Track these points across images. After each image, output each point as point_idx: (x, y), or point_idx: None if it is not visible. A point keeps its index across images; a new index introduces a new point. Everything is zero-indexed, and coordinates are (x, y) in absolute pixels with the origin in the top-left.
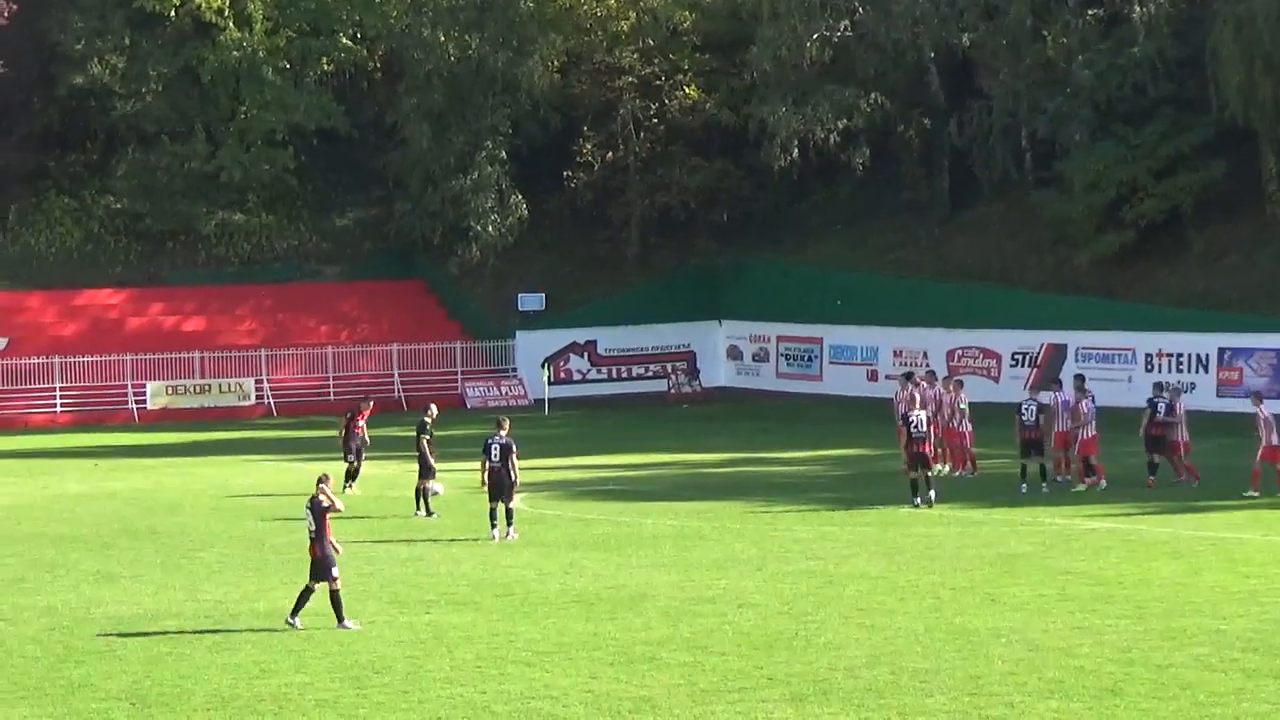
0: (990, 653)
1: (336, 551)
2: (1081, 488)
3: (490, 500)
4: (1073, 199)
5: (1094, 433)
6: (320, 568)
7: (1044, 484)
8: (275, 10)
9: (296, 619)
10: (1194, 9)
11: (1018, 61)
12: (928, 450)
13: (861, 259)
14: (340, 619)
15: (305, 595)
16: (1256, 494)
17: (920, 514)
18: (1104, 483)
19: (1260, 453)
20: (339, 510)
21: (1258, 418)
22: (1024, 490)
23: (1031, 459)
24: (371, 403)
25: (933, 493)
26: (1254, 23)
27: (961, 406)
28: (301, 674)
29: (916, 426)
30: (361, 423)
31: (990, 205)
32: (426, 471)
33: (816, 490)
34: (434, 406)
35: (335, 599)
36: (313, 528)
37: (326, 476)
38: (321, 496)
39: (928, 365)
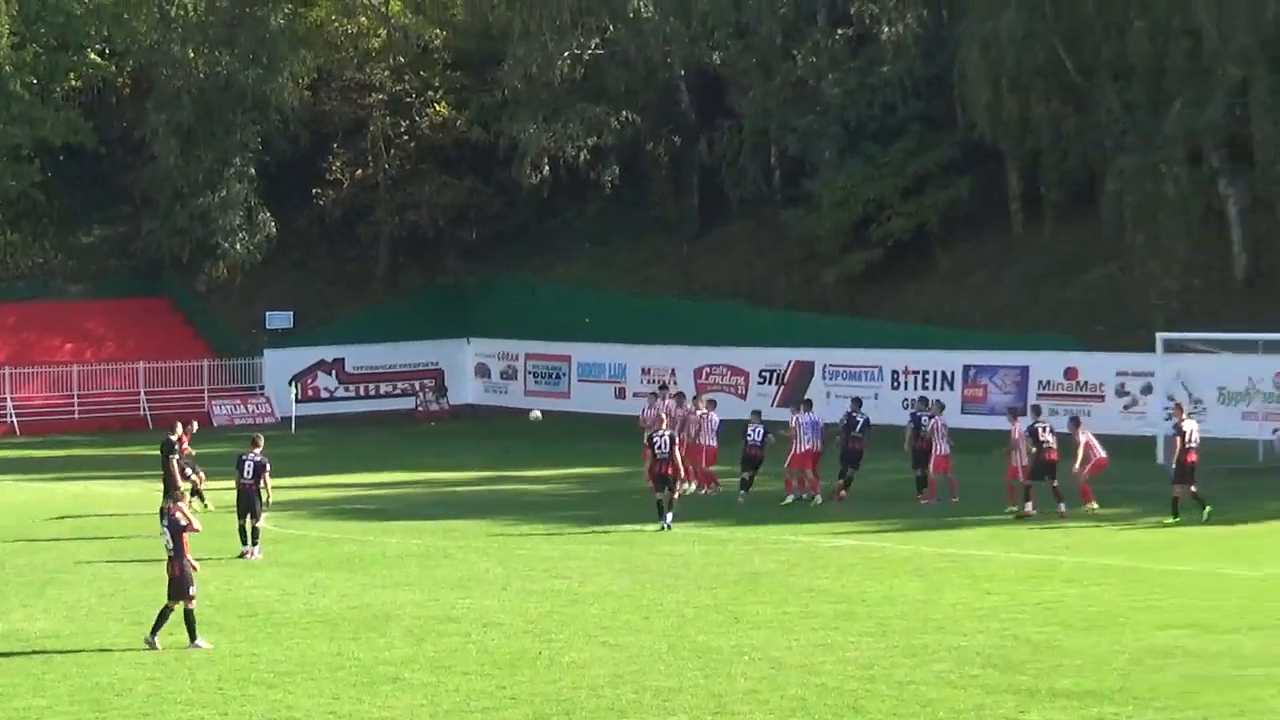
0: (733, 670)
1: (194, 569)
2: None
3: (239, 517)
4: (821, 217)
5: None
6: (177, 586)
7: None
8: (22, 24)
9: (156, 638)
10: (941, 29)
11: (768, 80)
12: (670, 471)
13: (610, 277)
14: (192, 638)
15: (164, 615)
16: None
17: (665, 533)
18: (819, 498)
19: (1010, 471)
20: (196, 530)
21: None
22: (741, 500)
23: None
24: (195, 425)
25: (670, 515)
26: (999, 43)
27: (712, 426)
28: (40, 697)
29: (660, 448)
30: (186, 444)
31: (739, 223)
32: (170, 492)
33: (563, 508)
34: (180, 425)
35: (189, 618)
36: (170, 546)
37: (182, 494)
38: (178, 514)
39: (675, 384)
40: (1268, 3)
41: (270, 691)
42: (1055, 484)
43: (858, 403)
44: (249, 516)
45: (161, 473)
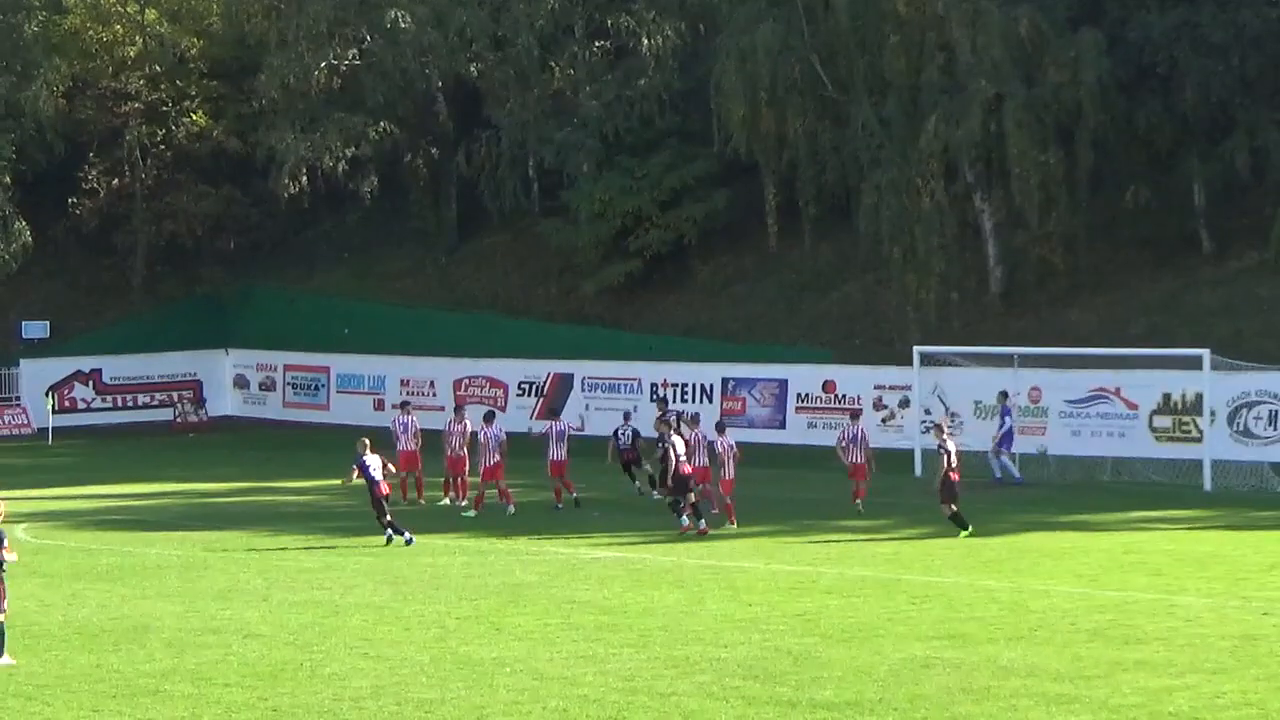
0: (495, 682)
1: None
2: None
3: None
4: (579, 229)
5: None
6: None
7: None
8: None
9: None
10: (699, 42)
11: (526, 91)
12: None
13: (369, 288)
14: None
15: None
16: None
17: (426, 544)
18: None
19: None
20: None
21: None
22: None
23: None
24: None
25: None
26: (756, 56)
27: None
28: None
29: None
30: None
31: (498, 235)
32: None
33: (322, 519)
34: None
35: None
36: None
37: None
38: None
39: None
40: (1020, 20)
41: (29, 704)
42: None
43: (626, 416)
44: None
45: None
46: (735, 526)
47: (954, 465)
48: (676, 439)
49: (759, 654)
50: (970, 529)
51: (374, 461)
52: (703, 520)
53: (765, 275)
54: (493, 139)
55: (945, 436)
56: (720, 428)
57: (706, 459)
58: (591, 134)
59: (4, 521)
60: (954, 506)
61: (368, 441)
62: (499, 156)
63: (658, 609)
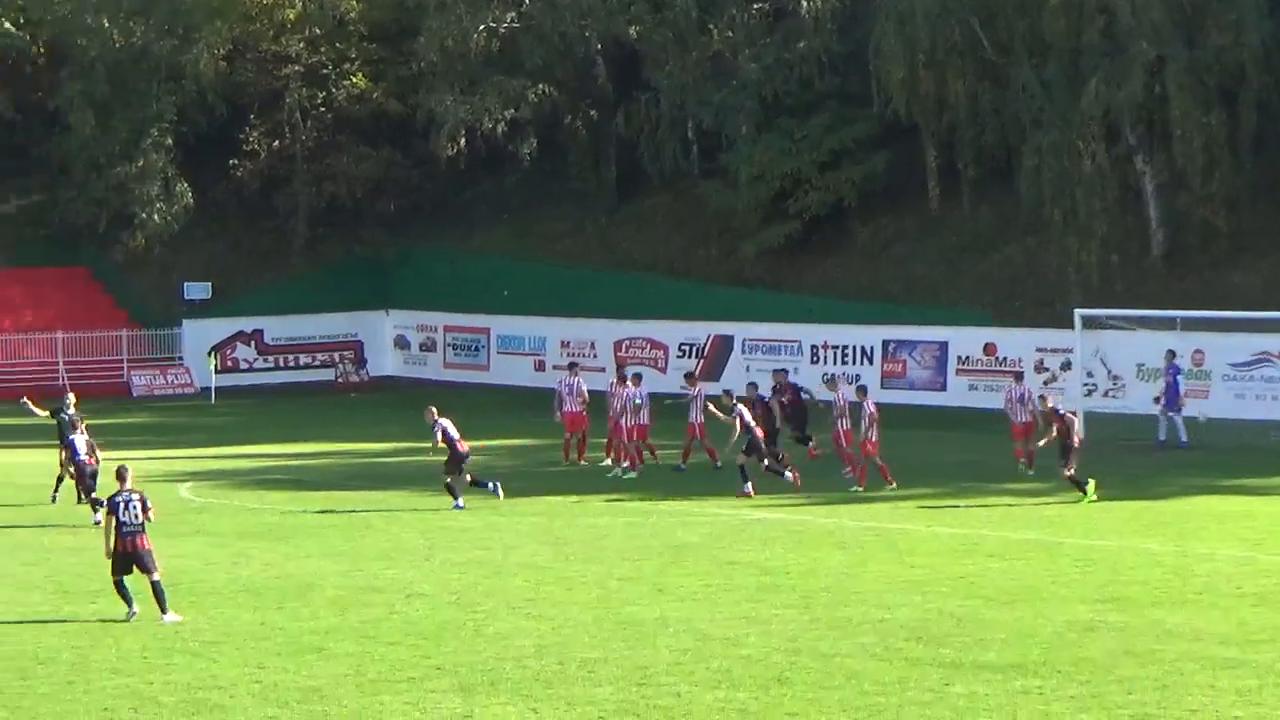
0: (658, 642)
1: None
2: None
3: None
4: (738, 191)
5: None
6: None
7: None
8: None
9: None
10: (858, 5)
11: (685, 54)
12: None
13: (529, 249)
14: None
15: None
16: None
17: (588, 505)
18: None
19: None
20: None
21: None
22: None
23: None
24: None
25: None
26: (915, 19)
27: (637, 402)
28: None
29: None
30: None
31: (658, 196)
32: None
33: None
34: (71, 395)
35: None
36: (140, 520)
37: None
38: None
39: (578, 356)
40: None
41: (195, 660)
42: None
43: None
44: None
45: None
46: (894, 486)
47: (1077, 430)
48: (743, 407)
49: (921, 616)
50: (1092, 493)
51: (449, 424)
52: (749, 484)
53: (925, 237)
54: (652, 101)
55: (1056, 404)
56: (861, 390)
57: (850, 423)
58: (750, 96)
59: (164, 480)
60: (1072, 470)
61: (434, 408)
62: (658, 118)
63: (820, 570)
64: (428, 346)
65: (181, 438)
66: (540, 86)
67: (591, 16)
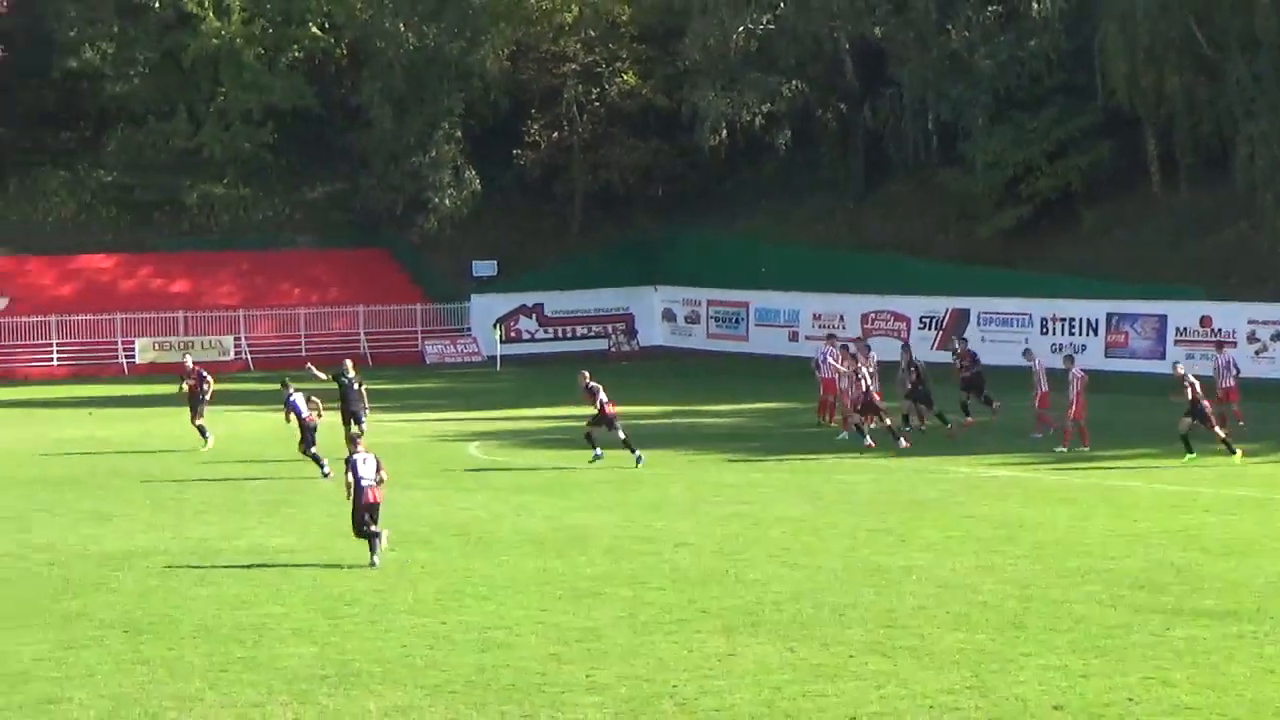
0: (903, 589)
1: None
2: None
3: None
4: (975, 178)
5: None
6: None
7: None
8: (251, 2)
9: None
10: (1084, 6)
11: (925, 52)
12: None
13: (784, 231)
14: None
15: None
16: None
17: (839, 462)
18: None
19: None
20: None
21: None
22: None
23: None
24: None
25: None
26: (1136, 18)
27: (869, 370)
28: (278, 605)
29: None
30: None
31: (901, 183)
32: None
33: (743, 440)
34: (349, 361)
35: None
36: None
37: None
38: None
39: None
40: None
41: (484, 604)
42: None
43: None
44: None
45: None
46: (1088, 449)
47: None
48: (865, 369)
49: (1144, 566)
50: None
51: (300, 399)
52: (901, 440)
53: (1146, 220)
54: (895, 96)
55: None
56: (1069, 359)
57: (1047, 386)
58: (985, 91)
59: (454, 440)
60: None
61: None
62: (901, 111)
63: (1050, 524)
64: (692, 319)
65: (469, 401)
66: (794, 82)
67: (841, 18)
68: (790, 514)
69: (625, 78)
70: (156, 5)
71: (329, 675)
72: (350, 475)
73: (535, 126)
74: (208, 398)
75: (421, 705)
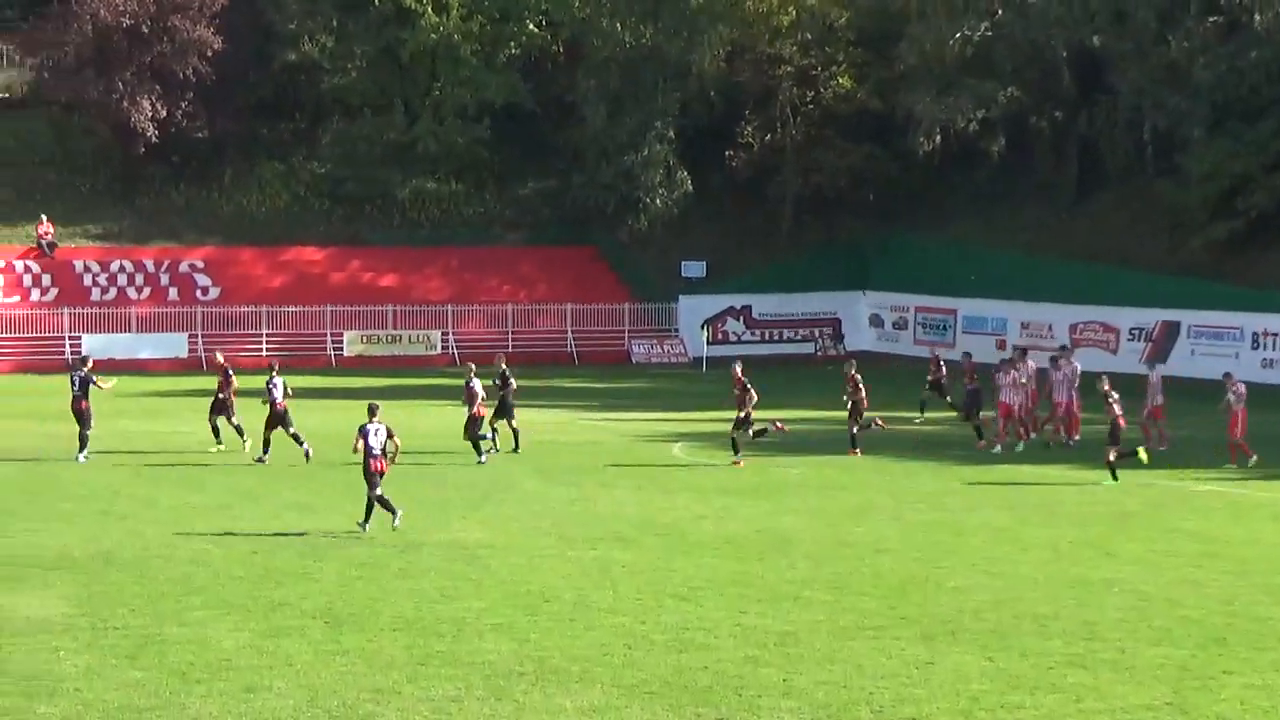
0: (1104, 601)
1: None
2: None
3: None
4: (1189, 189)
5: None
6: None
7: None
8: None
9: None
10: None
11: (1143, 61)
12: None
13: (994, 238)
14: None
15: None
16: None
17: (1039, 472)
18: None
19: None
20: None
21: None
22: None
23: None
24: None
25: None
26: None
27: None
28: (478, 600)
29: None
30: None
31: (1113, 192)
32: (503, 411)
33: (947, 447)
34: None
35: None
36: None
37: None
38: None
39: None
40: None
41: (683, 604)
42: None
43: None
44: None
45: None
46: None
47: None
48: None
49: None
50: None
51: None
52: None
53: None
54: (1111, 104)
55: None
56: (1227, 375)
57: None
58: (1203, 101)
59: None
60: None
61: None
62: (1116, 120)
63: (1257, 540)
64: (900, 325)
65: (674, 402)
66: (1009, 89)
67: (1059, 25)
68: (991, 522)
69: (840, 81)
70: (376, 1)
71: (526, 672)
72: (361, 442)
73: (748, 128)
74: (229, 397)
75: (618, 705)
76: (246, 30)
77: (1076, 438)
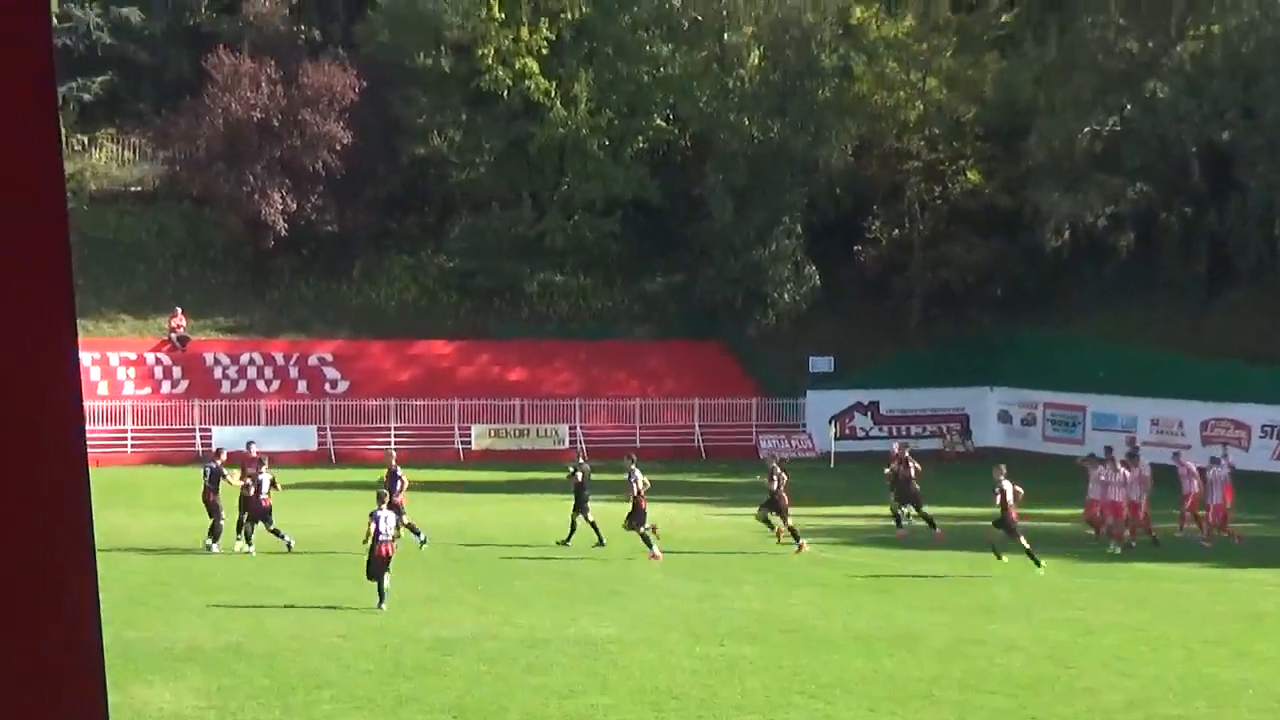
0: (1239, 702)
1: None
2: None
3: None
4: None
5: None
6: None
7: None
8: (598, 92)
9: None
10: None
11: (1274, 157)
12: None
13: (1123, 334)
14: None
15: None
16: None
17: (1170, 570)
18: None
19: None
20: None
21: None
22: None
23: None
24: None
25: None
26: None
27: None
28: (605, 696)
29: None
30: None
31: (1244, 289)
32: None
33: (1076, 544)
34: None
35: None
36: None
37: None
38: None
39: (1166, 434)
40: None
41: (812, 701)
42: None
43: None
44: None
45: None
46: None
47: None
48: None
49: None
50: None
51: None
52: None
53: None
54: (1241, 200)
55: (1000, 477)
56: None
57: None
58: None
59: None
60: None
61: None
62: (1247, 216)
63: None
64: (1028, 421)
65: (802, 496)
66: (1138, 184)
67: (1187, 121)
68: (1123, 621)
69: (968, 176)
70: (505, 95)
71: None
72: (372, 526)
73: (876, 223)
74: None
75: None
76: (375, 125)
77: (1149, 535)
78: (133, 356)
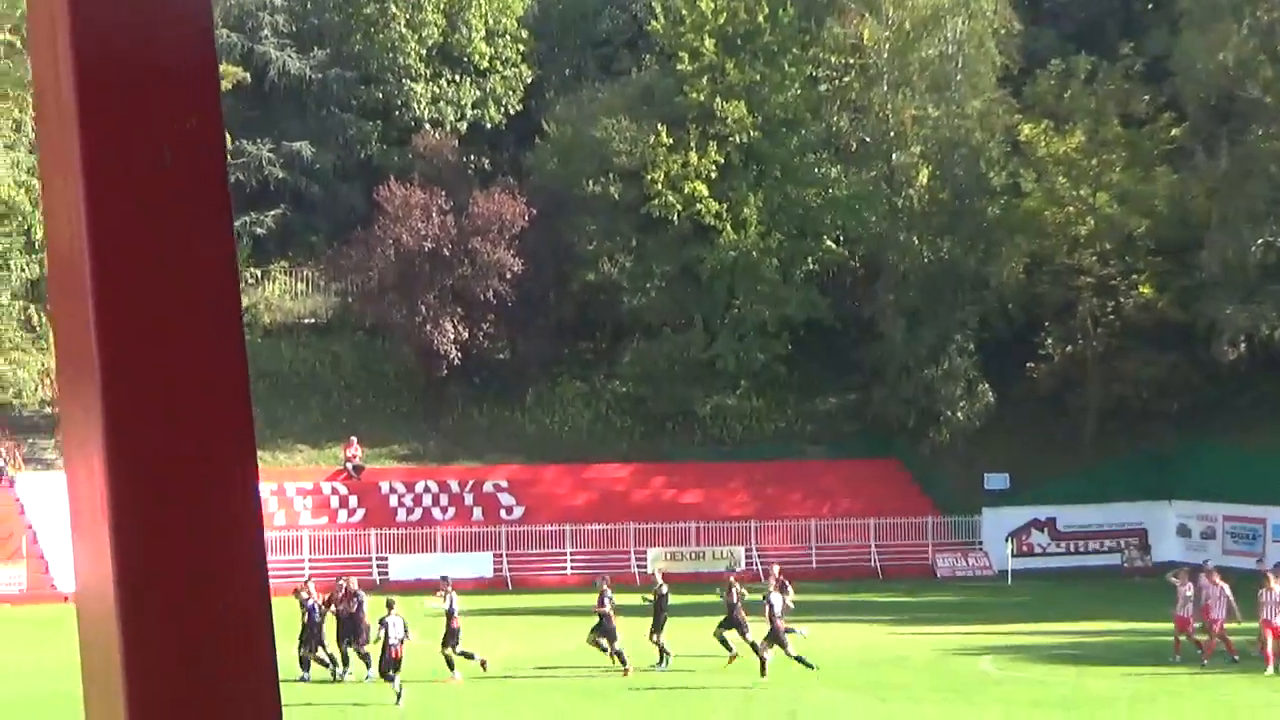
0: None
1: None
2: None
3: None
4: None
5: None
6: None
7: None
8: (767, 215)
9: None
10: None
11: None
12: None
13: None
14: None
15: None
16: None
17: None
18: None
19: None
20: None
21: None
22: None
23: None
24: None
25: None
26: None
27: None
28: None
29: None
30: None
31: None
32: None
33: (1243, 657)
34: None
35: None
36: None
37: None
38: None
39: None
40: None
41: None
42: None
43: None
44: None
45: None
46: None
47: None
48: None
49: None
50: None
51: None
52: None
53: None
54: None
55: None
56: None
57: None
58: None
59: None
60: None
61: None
62: None
63: None
64: (1208, 534)
65: (981, 615)
66: None
67: None
68: None
69: (1141, 290)
70: (675, 219)
71: None
72: (382, 632)
73: (1049, 339)
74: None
75: None
76: (546, 252)
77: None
78: (309, 486)
